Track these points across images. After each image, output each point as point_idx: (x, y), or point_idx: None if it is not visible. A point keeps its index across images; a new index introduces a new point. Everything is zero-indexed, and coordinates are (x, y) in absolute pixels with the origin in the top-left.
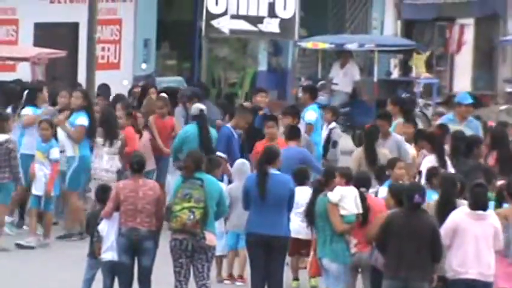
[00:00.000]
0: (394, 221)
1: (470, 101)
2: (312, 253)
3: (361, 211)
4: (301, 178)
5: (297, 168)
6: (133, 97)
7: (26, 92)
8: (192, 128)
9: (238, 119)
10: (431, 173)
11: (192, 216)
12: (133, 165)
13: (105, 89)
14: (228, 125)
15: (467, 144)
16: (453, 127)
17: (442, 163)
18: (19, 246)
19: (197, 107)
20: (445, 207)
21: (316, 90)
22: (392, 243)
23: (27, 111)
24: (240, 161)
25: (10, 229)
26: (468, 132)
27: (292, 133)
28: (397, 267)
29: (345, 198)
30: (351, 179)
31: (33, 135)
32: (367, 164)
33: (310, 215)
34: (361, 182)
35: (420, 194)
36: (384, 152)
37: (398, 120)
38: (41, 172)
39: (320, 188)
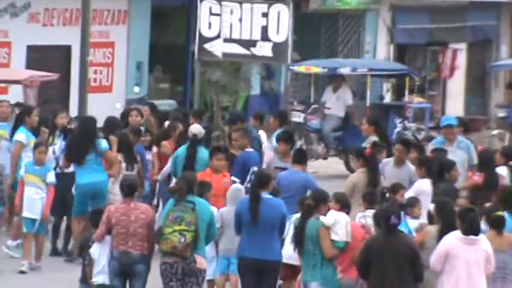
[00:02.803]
0: (373, 244)
1: (449, 122)
2: (299, 276)
3: (350, 240)
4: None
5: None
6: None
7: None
8: (182, 150)
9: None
10: (411, 202)
11: (182, 240)
12: (125, 189)
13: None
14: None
15: (440, 168)
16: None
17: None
18: (23, 272)
19: (191, 131)
20: (448, 233)
21: (286, 115)
22: (373, 266)
23: (21, 136)
24: (235, 187)
25: (15, 252)
26: (459, 153)
27: (299, 157)
28: None
29: (338, 224)
30: (345, 205)
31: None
32: (369, 186)
33: (299, 238)
34: (347, 206)
35: (396, 216)
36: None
37: (370, 138)
38: (37, 195)
39: (309, 211)
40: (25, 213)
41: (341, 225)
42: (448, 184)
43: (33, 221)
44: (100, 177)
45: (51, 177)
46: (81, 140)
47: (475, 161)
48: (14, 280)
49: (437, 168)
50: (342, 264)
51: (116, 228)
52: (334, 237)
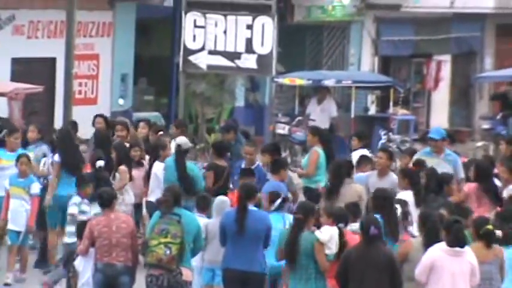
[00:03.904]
0: (353, 254)
1: (432, 135)
2: None
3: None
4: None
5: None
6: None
7: None
8: (169, 161)
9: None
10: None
11: (168, 252)
12: (103, 200)
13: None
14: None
15: (438, 181)
16: (431, 161)
17: (418, 199)
18: (7, 285)
19: (176, 142)
20: (433, 245)
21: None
22: (352, 276)
23: None
24: (221, 199)
25: None
26: (445, 165)
27: (274, 166)
28: None
29: (332, 239)
30: (337, 217)
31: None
32: (327, 199)
33: (293, 252)
34: (339, 218)
35: (376, 226)
36: (357, 189)
37: (313, 148)
38: (22, 208)
39: (301, 225)
40: (10, 226)
41: (333, 240)
42: (445, 198)
43: (18, 233)
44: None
45: (35, 189)
46: (74, 151)
47: (462, 175)
48: None
49: (436, 182)
50: (332, 272)
51: (98, 241)
52: (327, 251)
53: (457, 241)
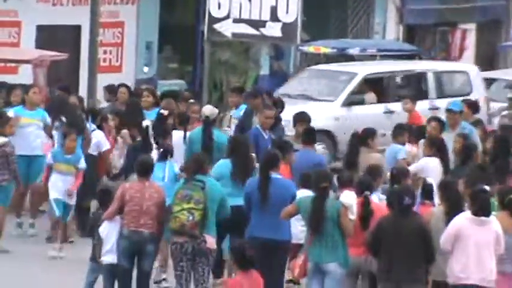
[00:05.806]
0: (385, 224)
1: (457, 108)
2: (302, 256)
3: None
4: (307, 181)
5: (304, 173)
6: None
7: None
8: (195, 133)
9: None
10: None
11: (190, 218)
12: (139, 168)
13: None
14: (258, 125)
15: (466, 150)
16: (446, 135)
17: (446, 167)
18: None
19: (203, 112)
20: (455, 214)
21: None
22: (384, 246)
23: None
24: None
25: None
26: None
27: (309, 137)
28: (389, 270)
29: (354, 204)
30: (362, 186)
31: (23, 137)
32: (344, 166)
33: (320, 219)
34: (364, 186)
35: (410, 196)
36: (375, 156)
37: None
38: (66, 182)
39: (327, 193)
40: (54, 195)
41: (354, 205)
42: (474, 166)
43: (63, 203)
44: None
45: (82, 163)
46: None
47: (479, 147)
48: (23, 259)
49: (464, 151)
50: (358, 240)
51: (128, 205)
52: (350, 216)
53: (482, 210)
